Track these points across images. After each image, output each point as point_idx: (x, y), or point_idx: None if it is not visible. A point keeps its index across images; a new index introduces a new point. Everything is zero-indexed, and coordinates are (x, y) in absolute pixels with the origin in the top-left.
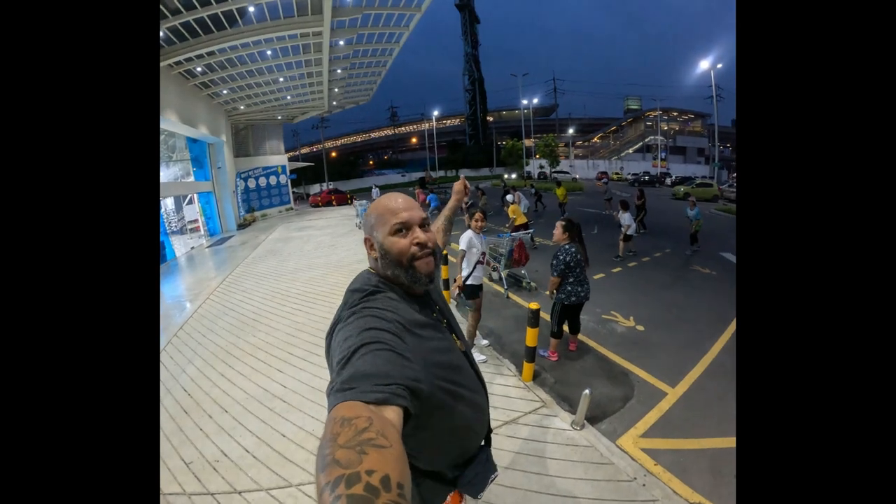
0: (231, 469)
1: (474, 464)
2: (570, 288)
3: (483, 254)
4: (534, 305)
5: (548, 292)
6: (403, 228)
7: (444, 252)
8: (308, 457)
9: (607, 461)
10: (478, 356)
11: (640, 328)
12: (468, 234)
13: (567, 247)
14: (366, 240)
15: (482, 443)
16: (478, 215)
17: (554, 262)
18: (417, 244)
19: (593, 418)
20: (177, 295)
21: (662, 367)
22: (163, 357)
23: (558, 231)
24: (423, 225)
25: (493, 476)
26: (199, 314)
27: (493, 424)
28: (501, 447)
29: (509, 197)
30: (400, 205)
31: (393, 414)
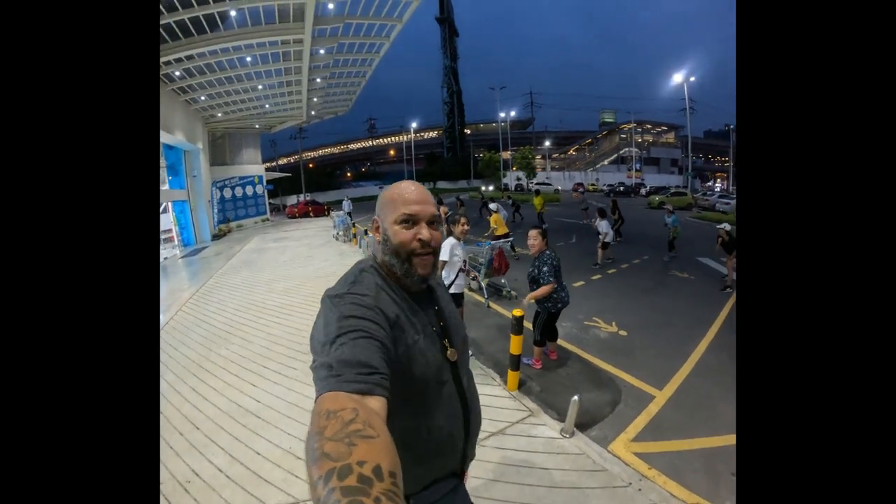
0: (203, 490)
1: (433, 488)
2: (555, 295)
3: (464, 262)
4: (517, 312)
5: (528, 300)
6: (410, 221)
7: None
8: (285, 476)
9: (600, 468)
10: None
11: (623, 333)
12: (450, 241)
13: (548, 252)
14: (373, 220)
15: (453, 470)
16: (463, 220)
17: (545, 269)
18: (420, 240)
19: (582, 425)
20: None
21: (648, 371)
22: None
23: (538, 241)
24: (433, 222)
25: None
26: (171, 326)
27: (480, 436)
28: (489, 459)
29: (493, 206)
30: (413, 196)
31: (377, 403)
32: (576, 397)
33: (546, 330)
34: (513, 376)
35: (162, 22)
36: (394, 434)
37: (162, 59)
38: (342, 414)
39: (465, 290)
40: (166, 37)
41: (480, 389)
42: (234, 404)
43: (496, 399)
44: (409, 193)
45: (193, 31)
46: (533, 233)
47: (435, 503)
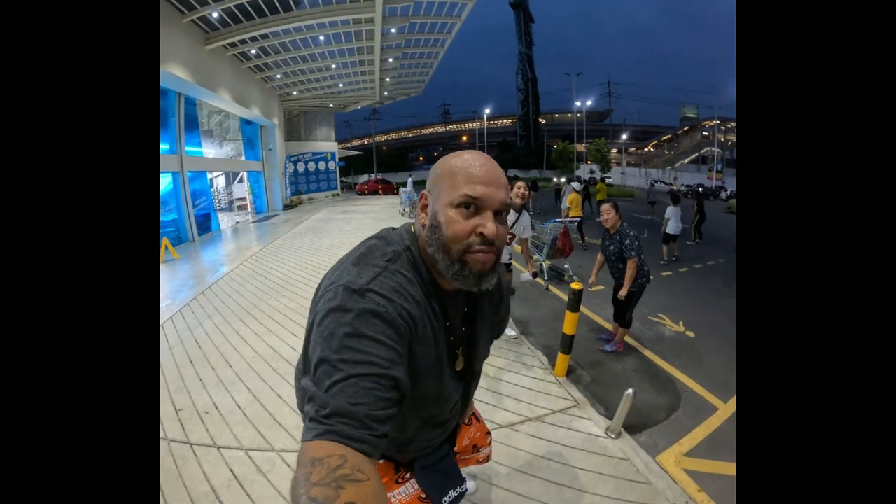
0: (217, 422)
1: (430, 456)
2: (646, 268)
3: (512, 235)
4: (576, 285)
5: (623, 291)
6: (472, 206)
7: None
8: (298, 423)
9: (644, 480)
10: (509, 331)
11: (690, 334)
12: None
13: (626, 225)
14: (421, 195)
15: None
16: (520, 183)
17: (627, 242)
18: (480, 234)
19: (632, 427)
20: (213, 259)
21: (713, 379)
22: (183, 310)
23: (611, 214)
24: (501, 212)
25: (460, 489)
26: (231, 276)
27: (514, 419)
28: (519, 446)
29: (575, 184)
30: (481, 172)
31: (368, 459)
32: (630, 391)
33: (632, 311)
34: (562, 360)
35: (236, 3)
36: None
37: (237, 38)
38: (329, 461)
39: (517, 266)
40: (241, 16)
41: (523, 371)
42: (270, 349)
43: (540, 383)
44: (475, 168)
45: (267, 10)
46: (605, 206)
47: (434, 480)
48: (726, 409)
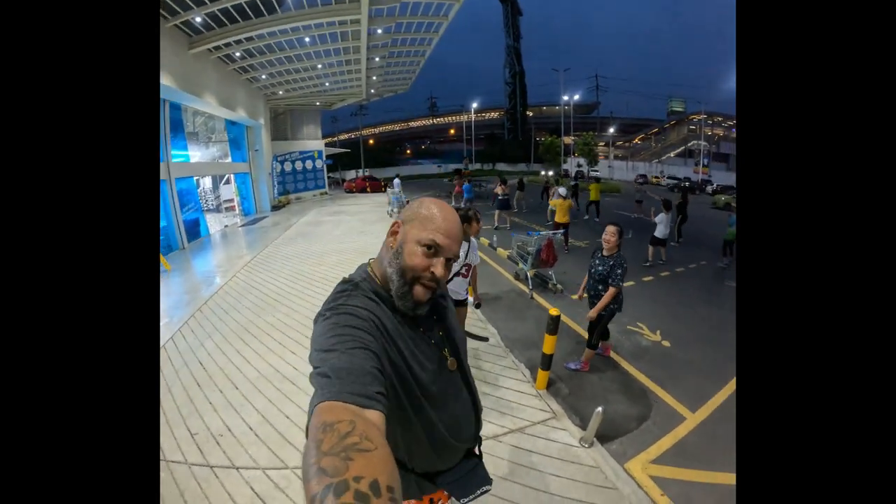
0: (233, 444)
1: (454, 470)
2: (620, 296)
3: (468, 266)
4: (553, 311)
5: (593, 314)
6: (433, 248)
7: None
8: None
9: (612, 485)
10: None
11: (666, 344)
12: None
13: (622, 254)
14: (395, 223)
15: (463, 456)
16: (476, 219)
17: (619, 271)
18: (432, 272)
19: (604, 436)
20: (206, 270)
21: (684, 389)
22: (184, 330)
23: (614, 238)
24: (451, 260)
25: (483, 488)
26: (225, 290)
27: (498, 430)
28: (501, 455)
29: (562, 190)
30: (448, 226)
31: (375, 416)
32: (599, 409)
33: (602, 332)
34: (542, 375)
35: (219, 7)
36: (405, 434)
37: (222, 42)
38: (339, 426)
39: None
40: (225, 20)
41: (508, 384)
42: (272, 369)
43: (522, 396)
44: (445, 223)
45: (251, 13)
46: (611, 229)
47: (457, 481)
48: (694, 419)
